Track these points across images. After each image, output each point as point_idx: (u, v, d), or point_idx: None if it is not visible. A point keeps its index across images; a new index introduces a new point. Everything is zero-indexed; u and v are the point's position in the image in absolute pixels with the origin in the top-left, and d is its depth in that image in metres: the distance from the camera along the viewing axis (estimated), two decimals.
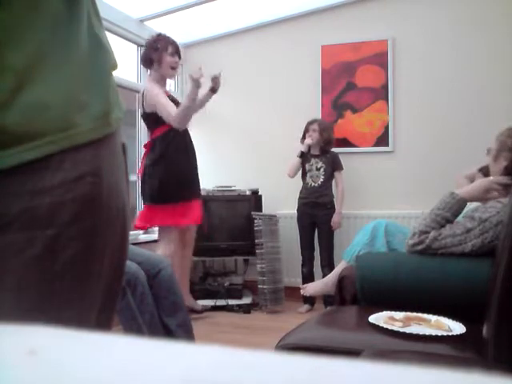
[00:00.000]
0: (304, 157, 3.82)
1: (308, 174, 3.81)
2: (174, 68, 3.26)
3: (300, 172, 3.88)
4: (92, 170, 0.62)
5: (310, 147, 3.82)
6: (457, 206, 1.83)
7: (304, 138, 3.84)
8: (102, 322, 0.67)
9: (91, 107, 0.63)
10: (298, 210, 3.85)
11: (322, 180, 3.76)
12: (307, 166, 3.83)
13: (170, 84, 4.22)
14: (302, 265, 3.79)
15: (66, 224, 0.60)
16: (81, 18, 0.63)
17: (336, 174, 3.80)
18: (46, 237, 0.58)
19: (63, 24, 0.61)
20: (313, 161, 3.80)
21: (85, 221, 0.62)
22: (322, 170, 3.78)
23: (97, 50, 0.66)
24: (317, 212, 3.73)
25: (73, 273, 0.61)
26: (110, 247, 0.66)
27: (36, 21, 0.58)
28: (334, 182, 3.84)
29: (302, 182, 3.87)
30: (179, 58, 3.30)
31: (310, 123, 3.81)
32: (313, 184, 3.78)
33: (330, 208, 3.74)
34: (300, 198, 3.84)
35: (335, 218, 3.70)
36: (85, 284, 0.63)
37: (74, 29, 0.62)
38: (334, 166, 3.79)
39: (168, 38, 3.27)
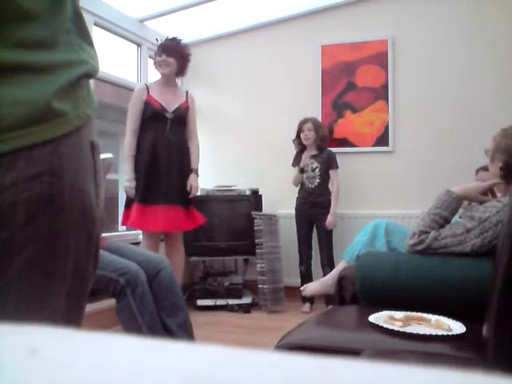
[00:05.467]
0: (300, 157, 3.82)
1: (304, 175, 3.80)
2: None
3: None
4: (50, 168, 0.59)
5: (305, 146, 3.81)
6: (454, 203, 1.83)
7: (298, 137, 3.83)
8: (68, 325, 0.64)
9: (47, 105, 0.59)
10: (296, 209, 3.85)
11: (318, 181, 3.75)
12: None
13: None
14: (300, 263, 3.79)
15: (21, 225, 0.57)
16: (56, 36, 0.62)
17: (331, 172, 3.77)
18: None
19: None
20: (308, 161, 3.79)
21: (42, 222, 0.58)
22: (317, 170, 3.76)
23: (68, 60, 0.63)
24: (315, 211, 3.73)
25: (31, 276, 0.58)
26: (74, 250, 0.63)
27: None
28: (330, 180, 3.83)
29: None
30: None
31: (302, 123, 3.80)
32: (310, 185, 3.77)
33: (327, 207, 3.74)
34: (298, 198, 3.84)
35: (330, 218, 3.68)
36: (45, 287, 0.60)
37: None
38: (329, 164, 3.77)
39: None
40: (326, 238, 3.71)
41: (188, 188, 3.23)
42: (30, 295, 0.59)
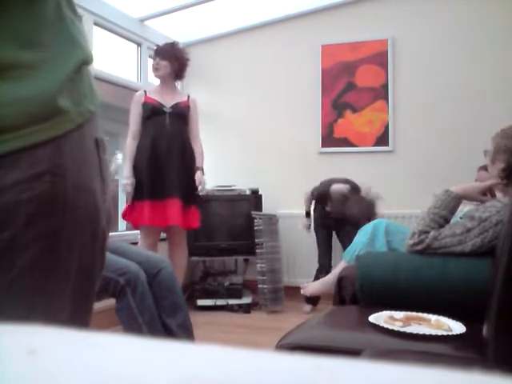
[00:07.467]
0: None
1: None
2: None
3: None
4: (51, 168, 0.58)
5: None
6: (453, 203, 1.83)
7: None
8: (76, 325, 0.63)
9: (49, 103, 0.58)
10: (318, 219, 3.70)
11: None
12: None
13: None
14: (319, 271, 3.63)
15: (23, 225, 0.56)
16: (44, 12, 0.59)
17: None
18: (1, 239, 0.56)
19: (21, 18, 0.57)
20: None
21: (45, 221, 0.58)
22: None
23: (64, 45, 0.62)
24: (341, 221, 3.56)
25: (34, 276, 0.58)
26: (78, 249, 0.63)
27: None
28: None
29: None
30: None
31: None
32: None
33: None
34: (319, 209, 3.68)
35: None
36: (49, 287, 0.60)
37: (35, 22, 0.58)
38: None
39: None
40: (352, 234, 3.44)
41: (197, 184, 3.23)
42: (33, 295, 0.58)
